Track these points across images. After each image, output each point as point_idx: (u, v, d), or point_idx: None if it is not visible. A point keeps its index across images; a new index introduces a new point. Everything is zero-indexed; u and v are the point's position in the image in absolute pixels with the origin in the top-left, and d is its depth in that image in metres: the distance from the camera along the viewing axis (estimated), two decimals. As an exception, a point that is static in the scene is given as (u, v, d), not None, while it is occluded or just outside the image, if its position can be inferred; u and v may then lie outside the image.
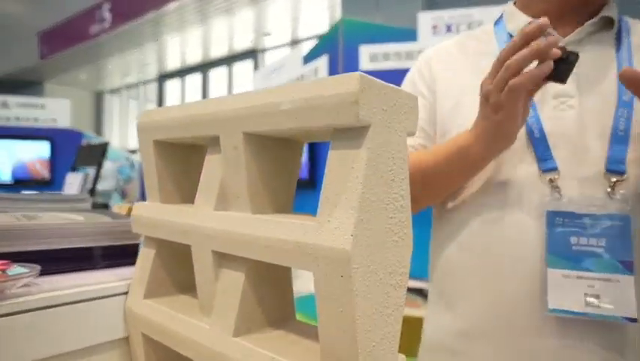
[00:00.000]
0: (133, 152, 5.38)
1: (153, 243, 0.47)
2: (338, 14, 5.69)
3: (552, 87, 0.54)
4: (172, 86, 8.67)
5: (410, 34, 2.48)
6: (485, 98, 0.52)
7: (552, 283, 0.50)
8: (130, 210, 0.88)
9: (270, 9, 5.98)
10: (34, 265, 0.44)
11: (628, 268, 0.49)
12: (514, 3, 0.67)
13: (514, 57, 0.48)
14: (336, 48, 2.53)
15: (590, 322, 0.50)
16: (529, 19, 0.61)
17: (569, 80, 0.50)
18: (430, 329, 0.65)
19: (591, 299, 0.49)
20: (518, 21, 0.63)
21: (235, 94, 0.37)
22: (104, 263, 0.56)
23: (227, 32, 6.81)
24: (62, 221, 0.54)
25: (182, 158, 0.48)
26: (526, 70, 0.48)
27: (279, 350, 0.33)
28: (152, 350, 0.46)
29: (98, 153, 1.71)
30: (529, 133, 0.55)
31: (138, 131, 0.48)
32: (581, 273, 0.50)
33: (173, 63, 8.24)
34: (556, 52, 0.48)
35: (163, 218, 0.43)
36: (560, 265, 0.51)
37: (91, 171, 1.75)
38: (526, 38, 0.48)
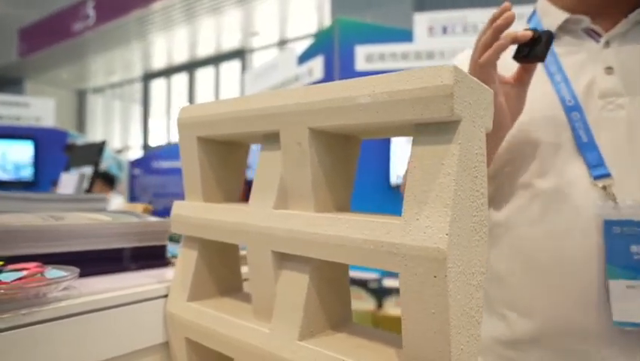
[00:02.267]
0: (119, 152, 5.28)
1: (195, 243, 0.45)
2: (327, 14, 5.69)
3: (597, 87, 0.54)
4: (157, 85, 8.54)
5: (406, 35, 2.49)
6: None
7: (615, 295, 0.49)
8: (146, 209, 0.86)
9: (258, 9, 5.94)
10: (72, 268, 0.42)
11: None
12: None
13: (481, 38, 0.51)
14: (332, 48, 2.53)
15: None
16: (565, 14, 0.60)
17: (615, 78, 0.50)
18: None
19: None
20: (554, 17, 0.61)
21: (297, 88, 0.35)
22: (135, 265, 0.54)
23: (215, 32, 6.75)
24: (93, 222, 0.51)
25: (224, 155, 0.47)
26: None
27: (348, 353, 0.32)
28: (195, 355, 0.44)
29: (94, 153, 1.67)
30: (577, 138, 0.53)
31: (179, 128, 0.46)
32: None
33: (159, 62, 8.12)
34: (525, 34, 0.51)
35: (210, 218, 0.41)
36: (622, 275, 0.49)
37: (87, 170, 1.70)
38: (492, 20, 0.50)
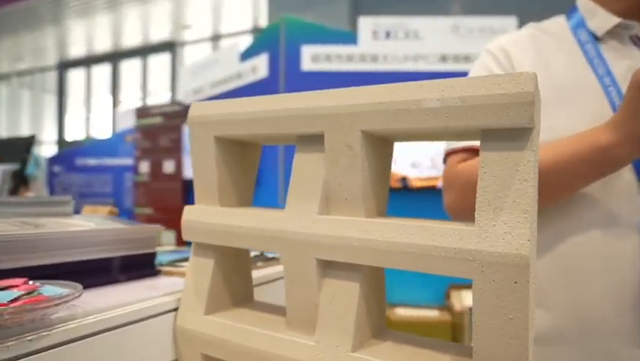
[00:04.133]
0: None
1: (212, 252, 0.42)
2: (263, 11, 5.62)
3: None
4: (76, 76, 7.87)
5: (350, 38, 2.53)
6: None
7: None
8: (111, 212, 0.78)
9: (190, 1, 5.71)
10: (71, 283, 0.37)
11: None
12: None
13: None
14: (277, 46, 2.49)
15: None
16: (615, 18, 0.59)
17: None
18: None
19: None
20: (604, 19, 0.59)
21: (346, 89, 0.34)
22: (124, 276, 0.49)
23: (142, 21, 6.36)
24: (79, 229, 0.45)
25: (239, 156, 0.44)
26: None
27: (407, 362, 0.31)
28: (213, 373, 0.41)
29: (21, 148, 1.50)
30: None
31: (191, 126, 0.42)
32: None
33: (77, 50, 7.48)
34: None
35: (236, 224, 0.39)
36: None
37: (8, 167, 1.53)
38: None
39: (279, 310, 0.42)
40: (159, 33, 6.65)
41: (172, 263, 0.57)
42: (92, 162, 3.61)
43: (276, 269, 0.58)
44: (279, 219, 0.36)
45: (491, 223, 0.28)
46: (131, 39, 6.87)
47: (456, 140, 0.36)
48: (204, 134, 0.41)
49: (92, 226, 0.48)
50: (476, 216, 0.29)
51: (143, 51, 7.02)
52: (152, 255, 0.53)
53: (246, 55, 2.74)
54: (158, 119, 3.14)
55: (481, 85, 0.29)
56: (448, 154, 0.66)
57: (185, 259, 0.59)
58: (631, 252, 0.54)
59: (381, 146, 0.36)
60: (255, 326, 0.38)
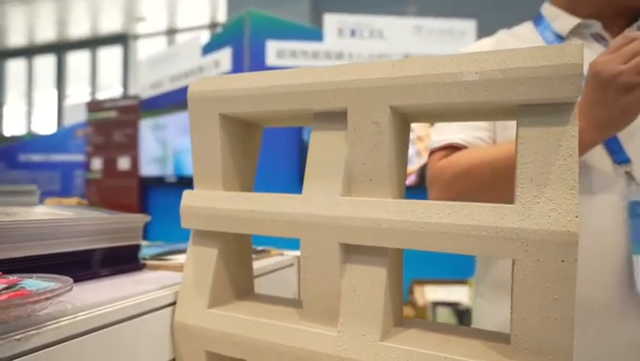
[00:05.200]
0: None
1: (214, 240, 0.38)
2: (221, 6, 5.49)
3: None
4: (15, 66, 7.34)
5: (315, 34, 2.52)
6: (610, 79, 0.51)
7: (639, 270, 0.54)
8: (80, 203, 0.72)
9: (144, -8, 5.48)
10: (60, 276, 0.33)
11: None
12: (551, 2, 0.69)
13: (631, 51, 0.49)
14: (241, 40, 2.44)
15: None
16: (576, 19, 0.64)
17: None
18: (495, 317, 0.65)
19: None
20: (566, 21, 0.65)
21: (373, 62, 0.32)
22: (106, 270, 0.44)
23: (91, 11, 6.03)
24: (58, 217, 0.41)
25: (243, 137, 0.41)
26: None
27: (448, 350, 0.30)
28: (217, 371, 0.38)
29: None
30: None
31: (191, 102, 0.39)
32: None
33: (17, 39, 6.98)
34: None
35: (246, 209, 0.35)
36: None
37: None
38: None
39: (287, 303, 0.40)
40: (110, 25, 6.33)
41: (156, 257, 0.52)
42: (37, 158, 3.36)
43: (266, 262, 0.55)
44: (297, 202, 0.34)
45: (535, 201, 0.27)
46: (79, 29, 6.49)
47: (485, 119, 0.35)
48: (207, 111, 0.38)
49: (70, 215, 0.43)
50: (517, 193, 0.28)
51: (93, 43, 6.66)
52: (137, 247, 0.48)
53: (208, 49, 2.66)
54: (112, 114, 2.98)
55: (523, 57, 0.28)
56: (430, 153, 0.69)
57: (171, 252, 0.54)
58: (612, 226, 0.57)
59: (404, 125, 0.35)
60: (268, 318, 0.35)
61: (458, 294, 2.00)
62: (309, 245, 0.33)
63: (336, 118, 0.34)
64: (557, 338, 0.27)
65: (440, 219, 0.29)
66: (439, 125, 0.70)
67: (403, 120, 0.34)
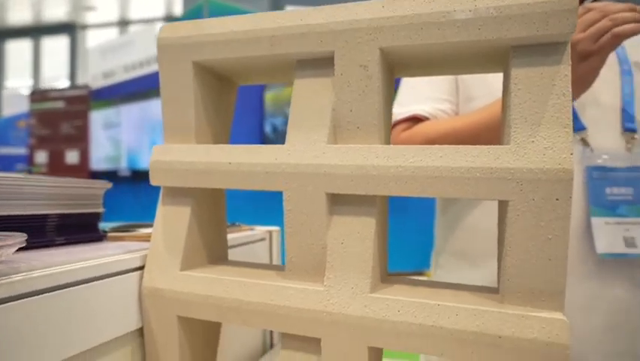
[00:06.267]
0: None
1: (187, 198, 0.36)
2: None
3: None
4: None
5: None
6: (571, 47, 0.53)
7: (597, 231, 0.56)
8: None
9: (95, -20, 5.22)
10: (14, 233, 0.29)
11: None
12: None
13: (623, 13, 0.51)
14: (199, 30, 2.36)
15: (620, 262, 0.57)
16: None
17: None
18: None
19: (629, 241, 0.56)
20: None
21: (361, 2, 0.31)
22: (61, 238, 0.40)
23: (34, -2, 5.67)
24: (7, 177, 0.36)
25: (217, 92, 0.38)
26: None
27: (439, 298, 0.29)
28: (192, 337, 0.35)
29: None
30: None
31: (161, 49, 0.36)
32: (618, 219, 0.57)
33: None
34: None
35: (221, 160, 0.33)
36: (601, 213, 0.57)
37: None
38: (633, 7, 0.52)
39: (268, 266, 0.38)
40: (54, 12, 5.97)
41: (117, 229, 0.48)
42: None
43: (237, 235, 0.53)
44: (280, 152, 0.32)
45: (529, 140, 0.27)
46: (18, 15, 6.07)
47: (472, 69, 0.34)
48: (179, 59, 0.35)
49: (19, 177, 0.39)
50: (512, 133, 0.27)
51: (35, 31, 6.26)
52: (97, 216, 0.44)
53: (164, 37, 2.56)
54: (58, 104, 2.80)
55: (517, -6, 0.27)
56: (393, 125, 0.68)
57: (133, 226, 0.50)
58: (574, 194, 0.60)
59: (390, 75, 0.34)
60: (248, 278, 0.33)
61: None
62: (293, 197, 0.31)
63: (320, 65, 0.32)
64: (550, 279, 0.27)
65: (433, 162, 0.28)
66: (400, 97, 0.70)
67: (389, 69, 0.33)
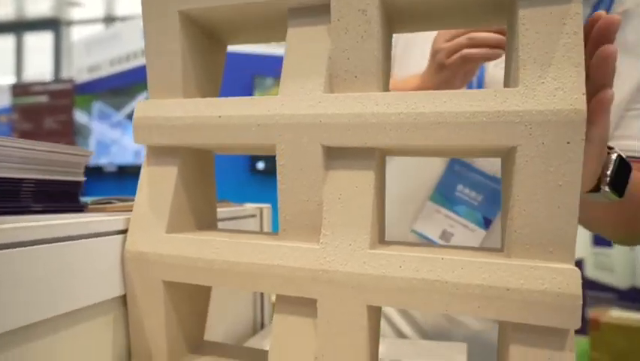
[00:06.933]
0: None
1: (174, 158, 0.33)
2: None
3: None
4: None
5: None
6: (434, 53, 0.52)
7: (425, 212, 0.60)
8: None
9: (80, -26, 5.13)
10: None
11: (486, 224, 0.60)
12: None
13: (485, 35, 0.48)
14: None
15: None
16: None
17: None
18: None
19: (446, 235, 0.60)
20: None
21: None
22: (38, 205, 0.38)
23: (17, -8, 5.55)
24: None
25: (205, 50, 0.36)
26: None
27: (435, 253, 0.27)
28: (179, 304, 0.33)
29: None
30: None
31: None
32: (450, 213, 0.60)
33: None
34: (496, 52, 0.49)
35: (210, 114, 0.31)
36: (439, 202, 0.60)
37: None
38: (500, 30, 0.49)
39: (259, 233, 0.36)
40: (37, 7, 5.85)
41: (97, 202, 0.46)
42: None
43: (226, 209, 0.50)
44: (273, 103, 0.30)
45: (539, 81, 0.25)
46: (2, 11, 5.94)
47: (474, 21, 0.33)
48: (165, 8, 0.33)
49: (-6, 138, 0.36)
50: (520, 76, 0.26)
51: (17, 27, 6.13)
52: (78, 185, 0.42)
53: (151, 30, 2.52)
54: (42, 98, 2.74)
55: None
56: None
57: (116, 199, 0.48)
58: (431, 176, 0.62)
59: (388, 26, 0.32)
60: (239, 239, 0.31)
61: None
62: (287, 150, 0.29)
63: (314, 12, 0.31)
64: (560, 228, 0.25)
65: (436, 108, 0.26)
66: None
67: (388, 21, 0.32)
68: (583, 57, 0.25)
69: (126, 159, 2.50)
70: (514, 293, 0.25)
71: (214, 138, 0.31)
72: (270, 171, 2.27)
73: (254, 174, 2.27)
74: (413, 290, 0.26)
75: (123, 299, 0.33)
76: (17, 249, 0.25)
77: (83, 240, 0.29)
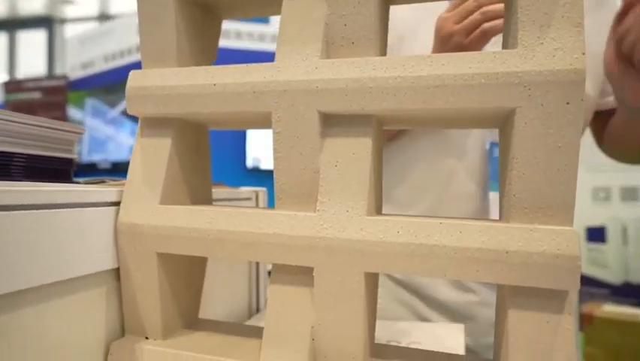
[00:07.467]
0: None
1: (168, 129, 0.33)
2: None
3: None
4: None
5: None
6: (446, 38, 0.52)
7: (494, 205, 0.60)
8: None
9: (74, -28, 5.10)
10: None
11: None
12: None
13: (497, 5, 0.49)
14: (182, 18, 2.32)
15: None
16: None
17: None
18: None
19: None
20: None
21: None
22: (29, 181, 0.37)
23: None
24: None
25: (199, 21, 0.36)
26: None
27: (434, 219, 0.27)
28: (173, 277, 0.32)
29: None
30: None
31: (139, -32, 0.33)
32: None
33: None
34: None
35: (205, 82, 0.30)
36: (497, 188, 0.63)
37: None
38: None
39: (255, 208, 0.35)
40: (31, 5, 5.81)
41: (90, 182, 0.45)
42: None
43: (220, 190, 0.50)
44: (269, 70, 0.29)
45: (538, 42, 0.25)
46: (-6, 9, 5.89)
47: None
48: (159, -24, 0.32)
49: (-16, 111, 0.35)
50: (519, 37, 0.26)
51: (10, 24, 6.08)
52: (69, 162, 0.41)
53: (145, 26, 2.50)
54: (35, 95, 2.71)
55: None
56: None
57: (106, 180, 0.47)
58: (479, 167, 0.63)
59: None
60: (235, 209, 0.30)
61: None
62: (283, 118, 0.29)
63: (312, -23, 0.30)
64: (559, 191, 0.25)
65: (435, 70, 0.26)
66: None
67: (385, -13, 0.31)
68: (583, 17, 0.25)
69: (120, 155, 2.48)
70: (513, 256, 0.24)
71: (209, 107, 0.31)
72: (263, 170, 2.27)
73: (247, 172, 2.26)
74: (411, 255, 0.26)
75: (117, 273, 0.33)
76: (1, 212, 0.24)
77: (73, 208, 0.29)
